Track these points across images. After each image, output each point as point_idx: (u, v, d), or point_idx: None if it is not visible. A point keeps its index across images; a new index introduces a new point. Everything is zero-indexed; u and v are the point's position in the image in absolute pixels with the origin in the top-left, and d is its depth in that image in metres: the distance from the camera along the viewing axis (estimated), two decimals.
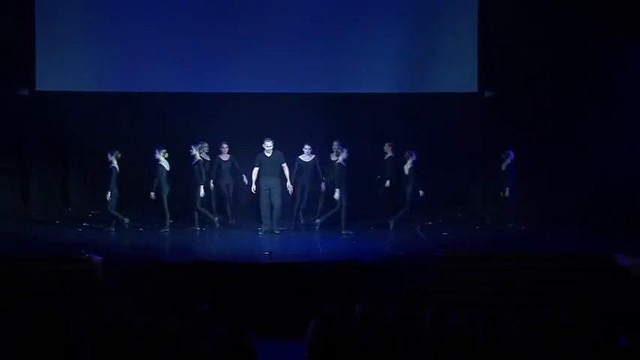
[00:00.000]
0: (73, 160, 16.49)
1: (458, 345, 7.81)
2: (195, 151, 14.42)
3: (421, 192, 14.70)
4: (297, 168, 14.68)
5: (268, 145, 14.35)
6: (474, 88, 16.31)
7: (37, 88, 16.11)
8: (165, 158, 14.43)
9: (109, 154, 14.32)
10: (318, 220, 14.59)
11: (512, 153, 14.86)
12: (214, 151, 15.09)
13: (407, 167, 14.74)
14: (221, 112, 16.05)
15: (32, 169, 16.66)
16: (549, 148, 15.64)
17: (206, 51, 16.08)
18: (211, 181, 15.04)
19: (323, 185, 14.82)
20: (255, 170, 14.40)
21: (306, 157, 14.70)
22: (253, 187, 14.46)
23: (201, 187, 14.40)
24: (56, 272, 11.95)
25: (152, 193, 14.33)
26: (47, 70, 16.02)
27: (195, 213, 14.53)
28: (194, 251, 12.97)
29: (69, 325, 8.03)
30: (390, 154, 15.38)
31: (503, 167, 14.88)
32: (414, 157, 14.73)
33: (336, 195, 14.31)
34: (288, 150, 14.67)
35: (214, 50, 16.09)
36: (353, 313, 8.73)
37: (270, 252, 12.37)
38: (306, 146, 14.67)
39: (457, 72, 16.24)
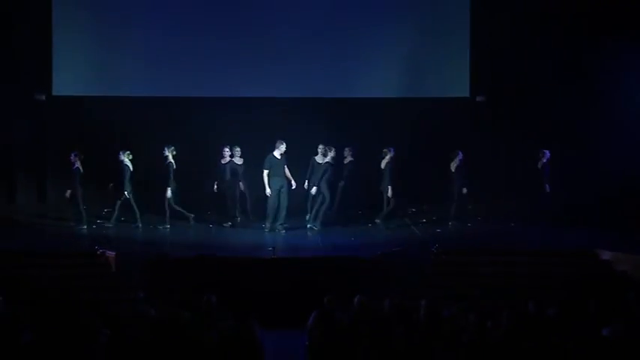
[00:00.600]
0: (88, 162, 16.49)
1: (450, 335, 7.86)
2: (167, 153, 14.43)
3: (465, 189, 14.65)
4: (311, 169, 14.57)
5: (283, 148, 14.27)
6: (466, 93, 16.33)
7: (54, 93, 16.13)
8: (130, 159, 14.42)
9: (72, 156, 14.29)
10: (377, 220, 14.65)
11: (547, 152, 14.70)
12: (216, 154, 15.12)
13: (453, 165, 14.70)
14: (227, 116, 16.03)
15: (49, 170, 16.67)
16: (538, 150, 15.60)
17: (217, 57, 16.04)
18: (216, 182, 15.04)
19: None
20: (266, 172, 14.27)
21: (320, 158, 14.60)
22: (268, 190, 14.25)
23: (169, 188, 14.34)
24: (72, 267, 11.99)
25: (125, 192, 14.32)
26: (64, 75, 16.02)
27: (167, 210, 14.50)
28: (202, 247, 12.99)
29: (84, 317, 8.08)
30: (349, 158, 15.13)
31: (539, 165, 14.73)
32: (460, 157, 14.68)
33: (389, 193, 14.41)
34: (288, 152, 14.62)
35: (225, 57, 16.05)
36: (352, 305, 8.79)
37: (273, 248, 12.39)
38: (320, 147, 14.58)
39: (449, 77, 16.26)
